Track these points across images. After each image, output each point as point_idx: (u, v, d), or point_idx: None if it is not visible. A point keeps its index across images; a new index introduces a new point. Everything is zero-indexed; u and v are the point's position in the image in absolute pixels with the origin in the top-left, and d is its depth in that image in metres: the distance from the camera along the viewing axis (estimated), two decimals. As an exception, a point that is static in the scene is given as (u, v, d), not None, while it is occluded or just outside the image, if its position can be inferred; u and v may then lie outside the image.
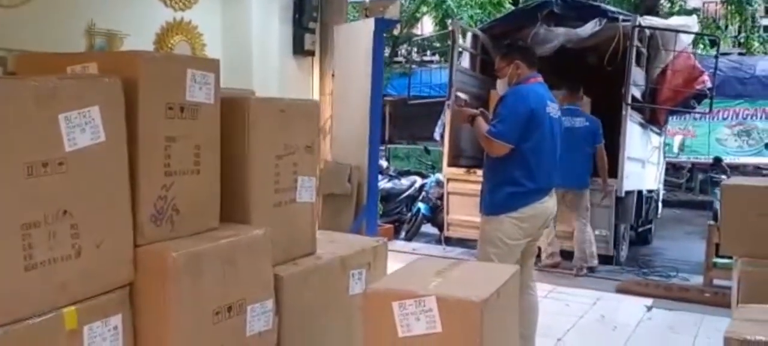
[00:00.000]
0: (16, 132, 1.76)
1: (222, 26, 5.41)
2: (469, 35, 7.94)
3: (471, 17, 13.40)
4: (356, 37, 5.44)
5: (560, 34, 7.24)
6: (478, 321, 2.16)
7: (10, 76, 2.83)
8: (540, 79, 3.45)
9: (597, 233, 6.47)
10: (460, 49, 7.57)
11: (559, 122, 3.47)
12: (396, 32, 14.51)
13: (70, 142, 1.89)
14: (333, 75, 6.15)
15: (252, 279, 2.44)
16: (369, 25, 5.38)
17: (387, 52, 14.29)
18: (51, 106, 1.85)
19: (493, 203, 3.34)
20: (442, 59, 12.93)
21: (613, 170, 6.61)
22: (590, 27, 7.10)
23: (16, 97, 1.79)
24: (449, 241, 7.17)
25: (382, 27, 5.53)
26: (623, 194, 6.68)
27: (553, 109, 3.39)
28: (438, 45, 13.28)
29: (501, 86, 3.58)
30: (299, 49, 5.62)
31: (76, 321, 1.96)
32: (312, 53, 5.81)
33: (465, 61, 7.71)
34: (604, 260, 6.54)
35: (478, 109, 3.41)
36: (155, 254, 2.16)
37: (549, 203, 3.43)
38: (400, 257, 3.17)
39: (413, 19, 15.73)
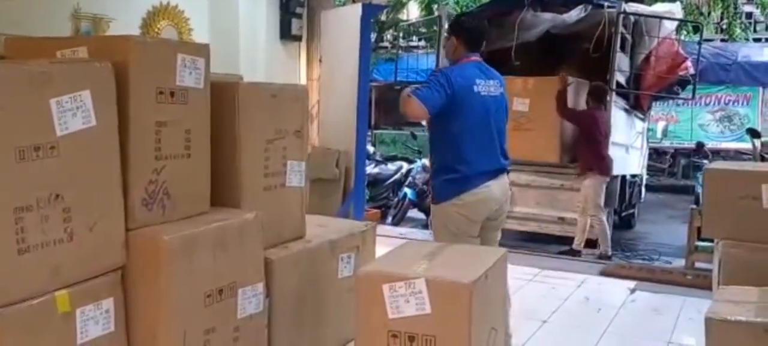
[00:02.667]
0: (7, 116, 1.76)
1: (209, 11, 5.38)
2: (455, 21, 7.96)
3: (457, 2, 13.39)
4: (343, 23, 5.44)
5: (546, 19, 7.28)
6: (467, 302, 2.20)
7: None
8: (476, 58, 3.21)
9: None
10: (446, 35, 7.60)
11: (497, 100, 3.23)
12: (382, 17, 14.47)
13: (62, 127, 1.90)
14: (320, 60, 6.14)
15: (243, 262, 2.46)
16: (356, 10, 5.38)
17: (373, 37, 14.26)
18: (42, 90, 1.85)
19: (435, 191, 3.20)
20: (428, 45, 12.92)
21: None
22: (576, 13, 7.14)
23: (8, 81, 1.79)
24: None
25: (370, 12, 5.53)
26: (608, 180, 6.77)
27: (485, 87, 3.15)
28: (424, 30, 13.28)
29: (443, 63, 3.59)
30: (286, 34, 5.60)
31: (68, 304, 1.97)
32: (299, 38, 5.80)
33: (451, 47, 7.73)
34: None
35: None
36: (147, 238, 2.18)
37: (494, 189, 3.21)
38: (387, 241, 3.20)
39: (399, 5, 15.69)
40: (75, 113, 1.94)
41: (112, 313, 2.12)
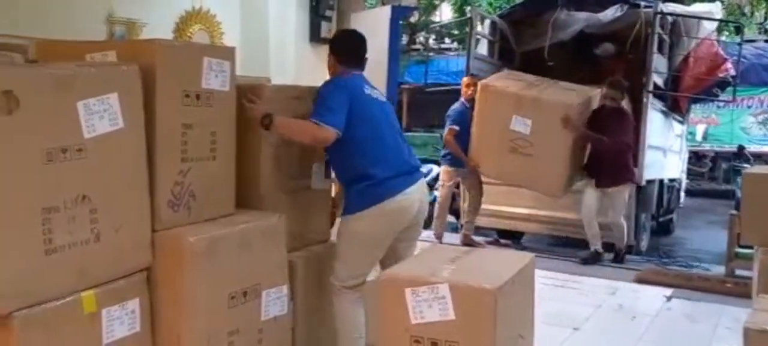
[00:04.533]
0: (35, 119, 1.80)
1: (240, 15, 5.43)
2: (487, 22, 7.88)
3: (490, 4, 13.30)
4: (373, 25, 5.42)
5: (581, 19, 7.17)
6: (491, 309, 2.16)
7: (30, 63, 2.87)
8: (357, 73, 2.94)
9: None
10: (478, 36, 7.53)
11: (387, 105, 3.01)
12: (414, 19, 14.45)
13: (89, 129, 1.93)
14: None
15: (267, 264, 2.47)
16: (386, 12, 5.35)
17: (404, 39, 14.24)
18: (70, 93, 1.89)
19: (348, 203, 2.84)
20: (461, 46, 12.85)
21: (634, 159, 6.57)
22: (611, 12, 7.01)
23: (36, 84, 1.82)
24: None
25: (399, 14, 5.51)
26: (644, 183, 6.62)
27: (373, 92, 2.93)
28: (456, 32, 13.22)
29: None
30: (316, 36, 5.61)
31: (95, 304, 2.00)
32: (328, 41, 5.79)
33: (483, 48, 7.66)
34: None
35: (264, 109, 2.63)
36: (172, 239, 2.20)
37: (412, 193, 2.86)
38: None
39: (431, 7, 15.66)
40: (102, 116, 1.97)
41: (138, 313, 2.15)
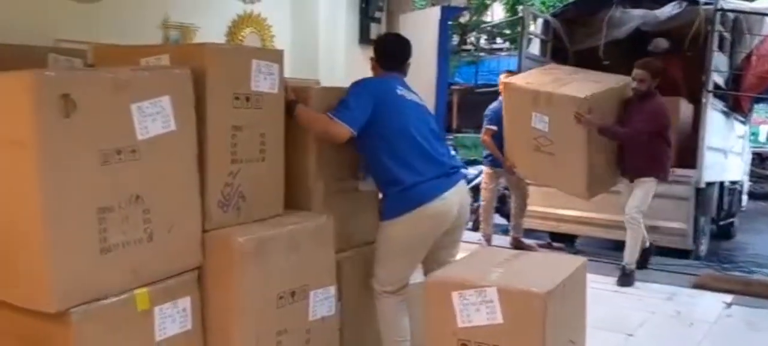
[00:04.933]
0: (91, 121, 1.85)
1: (290, 18, 5.49)
2: (539, 21, 7.77)
3: (543, 3, 13.11)
4: (422, 26, 5.41)
5: (636, 16, 6.98)
6: (541, 313, 2.12)
7: (88, 68, 2.97)
8: (396, 75, 2.92)
9: (675, 225, 6.24)
10: (530, 36, 7.43)
11: (425, 107, 2.96)
12: (465, 20, 14.36)
13: (142, 131, 1.98)
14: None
15: (315, 265, 2.49)
16: (435, 13, 5.33)
17: (455, 40, 14.17)
18: (124, 96, 1.94)
19: (385, 208, 2.80)
20: (513, 46, 12.71)
21: (693, 160, 6.35)
22: (669, 9, 6.81)
23: (92, 87, 1.88)
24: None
25: (449, 15, 5.47)
26: (704, 186, 6.40)
27: (409, 93, 2.88)
28: (508, 32, 13.06)
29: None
30: (365, 38, 5.63)
31: (148, 302, 2.05)
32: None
33: (535, 48, 7.56)
34: (682, 254, 6.28)
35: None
36: (222, 239, 2.23)
37: (450, 196, 2.77)
38: (465, 246, 3.12)
39: (483, 6, 15.54)
40: (155, 118, 2.02)
41: (189, 312, 2.19)
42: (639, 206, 5.20)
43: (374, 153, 2.74)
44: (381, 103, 2.73)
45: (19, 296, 1.89)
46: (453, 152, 10.00)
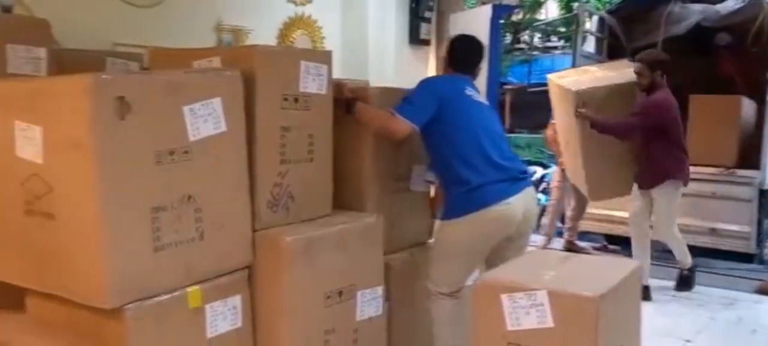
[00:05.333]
0: (146, 122, 1.90)
1: (340, 19, 5.53)
2: (595, 18, 7.61)
3: (599, -1, 12.82)
4: (473, 25, 5.36)
5: (696, 11, 6.76)
6: (593, 318, 2.06)
7: (144, 71, 3.05)
8: (461, 76, 2.89)
9: (737, 228, 6.00)
10: (585, 34, 7.28)
11: (489, 109, 2.91)
12: (518, 18, 14.18)
13: (195, 132, 2.02)
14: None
15: (363, 265, 2.49)
16: (486, 11, 5.29)
17: (508, 39, 14.00)
18: (177, 98, 1.99)
19: (446, 208, 2.76)
20: (567, 44, 12.47)
21: (757, 161, 6.10)
22: (731, 4, 6.56)
23: (146, 90, 1.93)
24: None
25: (500, 13, 5.41)
26: (767, 187, 6.16)
27: (476, 94, 2.85)
28: (563, 30, 12.84)
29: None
30: (415, 38, 5.63)
31: (200, 299, 2.10)
32: (427, 42, 5.79)
33: (590, 46, 7.40)
34: (744, 258, 6.04)
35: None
36: (272, 239, 2.26)
37: (515, 202, 2.72)
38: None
39: (537, 4, 15.30)
40: (207, 119, 2.06)
41: (240, 309, 2.23)
42: (665, 223, 4.74)
43: (439, 152, 2.74)
44: (447, 102, 2.71)
45: (77, 293, 1.95)
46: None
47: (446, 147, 2.70)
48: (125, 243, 1.89)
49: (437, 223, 2.83)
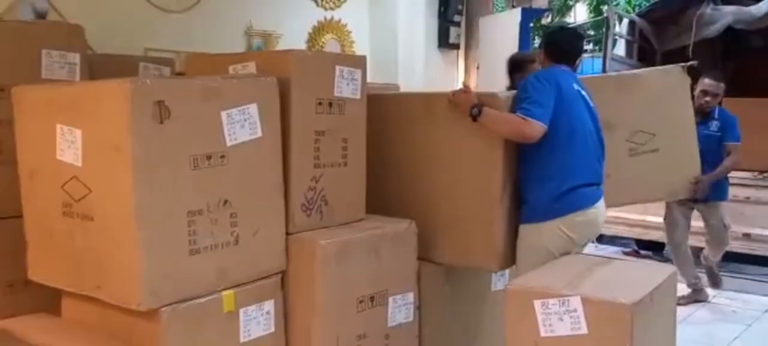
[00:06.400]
0: (184, 127, 1.93)
1: (369, 23, 5.56)
2: (625, 21, 7.52)
3: (629, 2, 12.66)
4: (502, 29, 5.36)
5: (729, 12, 6.63)
6: (627, 325, 2.04)
7: (178, 76, 3.09)
8: (566, 69, 2.76)
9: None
10: (615, 37, 7.20)
11: (595, 108, 2.77)
12: (547, 21, 14.06)
13: (231, 137, 2.04)
14: (477, 67, 6.08)
15: (395, 271, 2.48)
16: (515, 15, 5.28)
17: (537, 42, 13.89)
18: (215, 103, 2.01)
19: (535, 207, 2.61)
20: (597, 48, 12.35)
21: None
22: (765, 6, 6.44)
23: (185, 95, 1.96)
24: (601, 238, 6.84)
25: (529, 17, 5.40)
26: (802, 191, 6.04)
27: (584, 90, 2.74)
28: (592, 33, 12.69)
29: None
30: (444, 42, 5.64)
31: (234, 304, 2.11)
32: (457, 46, 5.79)
33: (620, 49, 7.32)
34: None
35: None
36: (305, 242, 2.27)
37: (601, 210, 2.68)
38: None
39: (566, 8, 15.16)
40: (243, 125, 2.08)
41: (272, 314, 2.24)
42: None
43: (539, 146, 2.53)
44: (560, 97, 2.58)
45: (112, 294, 1.98)
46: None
47: (547, 142, 2.53)
48: (161, 246, 1.92)
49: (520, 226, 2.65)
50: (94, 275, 1.99)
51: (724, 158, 4.34)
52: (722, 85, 4.50)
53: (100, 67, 2.66)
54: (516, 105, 2.55)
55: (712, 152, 4.14)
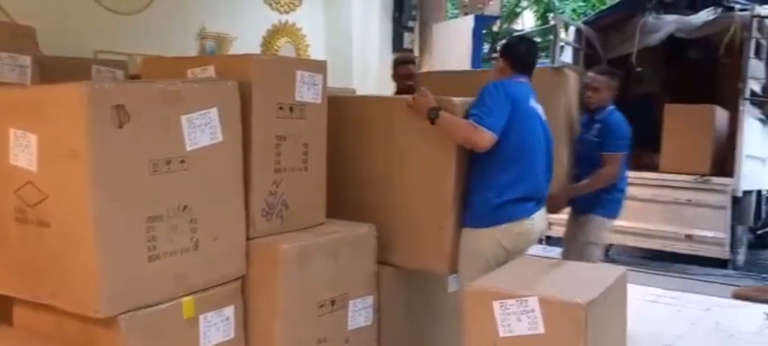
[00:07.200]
0: (142, 131, 1.90)
1: (324, 27, 5.57)
2: (572, 29, 7.73)
3: (574, 10, 13.00)
4: (455, 35, 5.45)
5: (670, 22, 6.90)
6: (582, 324, 2.10)
7: (135, 79, 3.03)
8: (525, 81, 2.83)
9: (711, 234, 6.14)
10: (563, 44, 7.39)
11: (546, 124, 2.85)
12: (496, 28, 14.30)
13: (191, 142, 2.02)
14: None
15: (354, 274, 2.50)
16: (468, 22, 5.37)
17: (486, 48, 14.11)
18: (175, 108, 1.98)
19: (475, 213, 2.68)
20: (544, 54, 12.64)
21: (730, 169, 6.26)
22: (704, 15, 6.71)
23: (144, 99, 1.93)
24: (549, 239, 7.01)
25: (482, 23, 5.51)
26: (741, 194, 6.30)
27: (538, 107, 2.81)
28: (539, 40, 12.99)
29: None
30: (399, 47, 5.69)
31: (194, 310, 2.09)
32: (411, 51, 5.85)
33: (567, 56, 7.51)
34: (720, 264, 6.17)
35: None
36: (266, 247, 2.26)
37: (537, 222, 2.77)
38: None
39: (513, 15, 15.46)
40: (203, 129, 2.06)
41: (233, 320, 2.22)
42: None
43: (489, 156, 2.61)
44: (516, 111, 2.64)
45: (69, 301, 1.93)
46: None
47: (498, 154, 2.61)
48: (120, 252, 1.89)
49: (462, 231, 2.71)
50: (50, 282, 1.94)
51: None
52: (605, 78, 3.79)
53: (51, 70, 2.60)
54: (471, 109, 2.60)
55: (587, 159, 3.62)
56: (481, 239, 2.65)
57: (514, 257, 2.71)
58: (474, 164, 2.69)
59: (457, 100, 2.65)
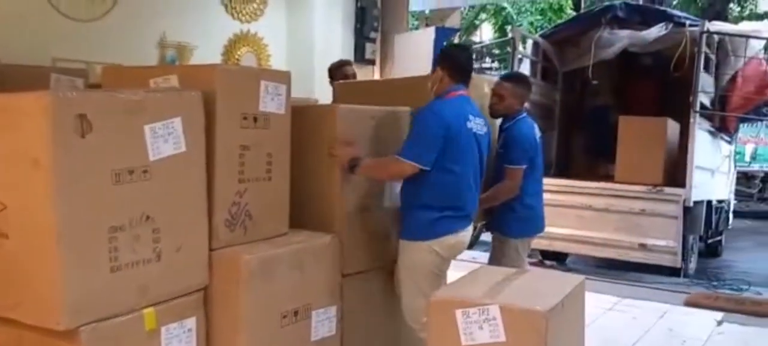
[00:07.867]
0: (105, 141, 1.88)
1: (286, 37, 5.57)
2: (529, 42, 7.89)
3: (531, 24, 13.28)
4: (416, 46, 5.50)
5: (624, 36, 7.10)
6: (542, 331, 2.15)
7: (96, 88, 2.99)
8: (462, 92, 2.85)
9: (664, 243, 6.31)
10: (520, 56, 7.54)
11: (484, 139, 2.93)
12: (455, 40, 14.50)
13: (154, 152, 2.00)
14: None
15: (318, 285, 2.51)
16: (429, 33, 5.44)
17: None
18: (138, 117, 1.97)
19: (412, 226, 2.82)
20: (501, 66, 12.84)
21: (682, 179, 6.45)
22: (656, 30, 6.93)
23: (106, 108, 1.91)
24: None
25: (443, 36, 5.58)
26: (691, 204, 6.50)
27: (475, 123, 2.85)
28: (497, 52, 13.20)
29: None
30: (361, 57, 5.72)
31: (155, 322, 2.07)
32: (372, 62, 5.89)
33: (525, 68, 7.66)
34: (672, 272, 6.35)
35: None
36: (229, 258, 2.26)
37: (463, 238, 2.91)
38: (460, 265, 3.14)
39: (472, 27, 15.70)
40: (167, 139, 2.04)
41: (195, 332, 2.20)
42: None
43: (423, 178, 2.75)
44: (451, 136, 2.75)
45: (29, 314, 1.89)
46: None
47: (430, 177, 2.75)
48: (81, 263, 1.86)
49: (401, 242, 2.87)
50: (9, 294, 1.90)
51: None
52: (510, 84, 3.50)
53: (8, 77, 2.55)
54: (404, 141, 2.76)
55: (497, 171, 3.40)
56: (418, 251, 2.81)
57: (447, 263, 2.92)
58: (408, 183, 2.83)
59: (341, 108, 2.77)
